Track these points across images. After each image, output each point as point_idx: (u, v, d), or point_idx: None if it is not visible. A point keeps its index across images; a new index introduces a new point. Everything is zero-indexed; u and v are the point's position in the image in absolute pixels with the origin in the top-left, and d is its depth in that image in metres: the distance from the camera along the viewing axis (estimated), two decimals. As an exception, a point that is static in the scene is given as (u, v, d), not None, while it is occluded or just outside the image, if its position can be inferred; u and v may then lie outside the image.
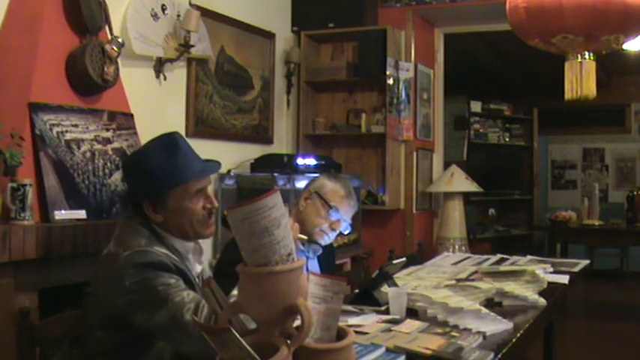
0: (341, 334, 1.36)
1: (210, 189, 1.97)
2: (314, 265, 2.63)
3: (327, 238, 2.61)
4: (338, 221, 2.58)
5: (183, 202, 1.87)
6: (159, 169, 1.85)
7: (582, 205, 6.50)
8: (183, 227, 1.89)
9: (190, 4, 3.93)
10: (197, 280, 1.92)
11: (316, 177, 2.74)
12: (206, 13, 4.07)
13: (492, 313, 2.02)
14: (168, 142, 1.91)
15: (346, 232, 2.76)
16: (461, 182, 5.40)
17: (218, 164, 2.02)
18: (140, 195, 1.88)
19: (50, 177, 2.68)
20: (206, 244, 3.43)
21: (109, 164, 2.96)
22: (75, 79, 2.93)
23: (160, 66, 3.79)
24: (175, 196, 1.86)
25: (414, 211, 5.21)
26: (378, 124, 5.04)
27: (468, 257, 3.25)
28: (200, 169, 1.91)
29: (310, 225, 2.54)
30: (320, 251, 2.64)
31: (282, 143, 5.05)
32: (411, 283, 2.44)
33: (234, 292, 1.45)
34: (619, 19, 2.66)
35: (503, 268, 2.61)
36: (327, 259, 2.74)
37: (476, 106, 8.25)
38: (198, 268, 1.96)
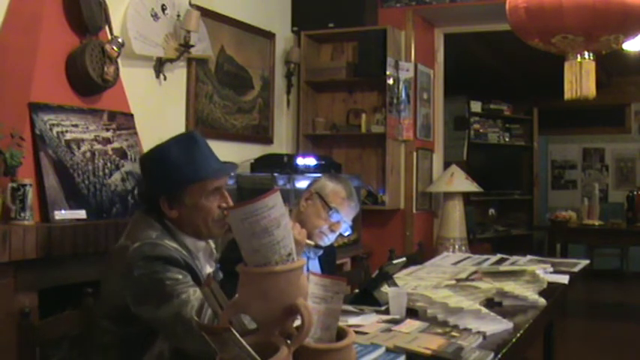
0: (341, 334, 1.36)
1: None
2: (315, 266, 2.63)
3: (327, 240, 2.60)
4: (338, 223, 2.57)
5: (200, 200, 1.87)
6: (178, 164, 1.86)
7: (582, 205, 6.50)
8: (198, 225, 1.89)
9: (190, 4, 3.93)
10: None
11: (318, 177, 2.73)
12: (206, 13, 4.07)
13: (492, 313, 2.02)
14: (187, 139, 1.92)
15: (346, 234, 2.75)
16: (461, 182, 5.39)
17: (235, 165, 2.06)
18: (157, 189, 1.88)
19: (50, 177, 2.68)
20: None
21: (109, 164, 2.96)
22: (75, 79, 2.93)
23: (159, 66, 3.79)
24: (192, 193, 1.86)
25: (414, 211, 5.21)
26: (378, 124, 5.04)
27: (468, 257, 3.24)
28: (218, 168, 1.93)
29: (310, 226, 2.54)
30: (320, 252, 2.64)
31: (282, 143, 5.05)
32: (411, 283, 2.44)
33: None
34: (619, 19, 2.66)
35: (503, 268, 2.61)
36: (328, 260, 2.74)
37: (476, 106, 8.25)
38: (208, 270, 1.96)
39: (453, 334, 1.86)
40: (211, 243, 1.99)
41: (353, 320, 1.98)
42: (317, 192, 2.58)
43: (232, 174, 4.18)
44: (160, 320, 1.70)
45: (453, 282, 2.35)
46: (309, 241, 2.17)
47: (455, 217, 5.37)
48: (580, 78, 2.87)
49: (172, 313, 1.67)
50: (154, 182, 1.90)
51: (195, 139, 1.92)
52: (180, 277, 1.73)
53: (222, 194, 1.92)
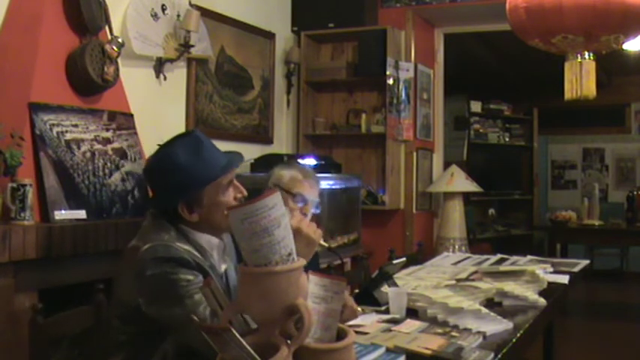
0: (341, 334, 1.36)
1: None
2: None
3: None
4: (306, 205, 2.58)
5: (217, 197, 1.88)
6: (190, 168, 1.85)
7: (582, 205, 6.50)
8: (219, 221, 1.88)
9: (190, 4, 3.93)
10: (222, 279, 1.92)
11: (271, 171, 2.74)
12: (206, 13, 4.07)
13: (492, 313, 2.02)
14: (191, 140, 1.91)
15: (318, 212, 2.74)
16: (461, 182, 5.40)
17: (241, 155, 2.05)
18: (174, 197, 1.85)
19: (50, 177, 2.68)
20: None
21: (109, 164, 2.96)
22: (75, 79, 2.93)
23: (160, 66, 3.79)
24: (209, 193, 1.87)
25: (414, 211, 5.21)
26: (378, 124, 5.04)
27: (468, 257, 3.25)
28: (227, 162, 1.94)
29: None
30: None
31: (282, 143, 5.05)
32: (411, 283, 2.44)
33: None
34: (619, 19, 2.66)
35: (503, 268, 2.62)
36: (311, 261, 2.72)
37: (476, 106, 8.24)
38: (222, 267, 1.96)
39: (453, 334, 1.86)
40: (224, 238, 1.98)
41: (353, 320, 1.98)
42: (276, 184, 2.60)
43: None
44: (172, 320, 1.71)
45: (453, 282, 2.36)
46: (322, 242, 2.14)
47: (455, 217, 5.37)
48: (580, 78, 2.87)
49: (185, 313, 1.67)
50: (170, 192, 1.86)
51: (199, 139, 1.91)
52: (191, 277, 1.73)
53: (235, 185, 1.94)
